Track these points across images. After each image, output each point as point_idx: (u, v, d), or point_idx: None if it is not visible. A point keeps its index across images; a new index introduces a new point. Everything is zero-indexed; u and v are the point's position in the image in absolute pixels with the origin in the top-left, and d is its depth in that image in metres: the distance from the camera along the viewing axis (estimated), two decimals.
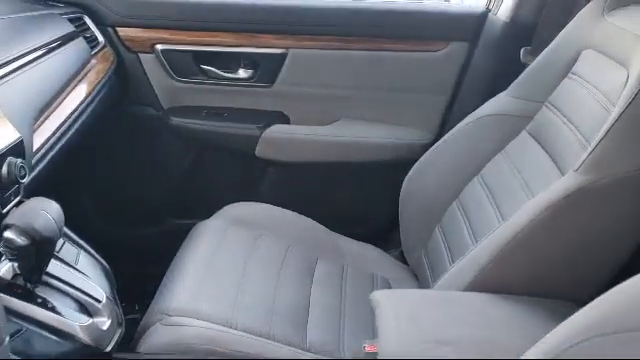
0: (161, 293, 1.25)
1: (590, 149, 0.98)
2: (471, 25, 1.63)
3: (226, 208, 1.57)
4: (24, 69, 1.14)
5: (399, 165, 1.61)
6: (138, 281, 1.44)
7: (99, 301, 0.95)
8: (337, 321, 1.28)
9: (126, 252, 1.46)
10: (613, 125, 0.97)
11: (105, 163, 1.74)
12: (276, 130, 1.75)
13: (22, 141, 0.97)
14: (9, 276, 0.87)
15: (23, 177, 0.91)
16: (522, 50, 1.52)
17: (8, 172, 0.87)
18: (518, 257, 0.99)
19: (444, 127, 1.66)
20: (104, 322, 0.93)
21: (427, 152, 1.52)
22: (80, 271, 0.98)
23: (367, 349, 0.96)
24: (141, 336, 1.14)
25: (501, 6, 1.56)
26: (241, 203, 1.61)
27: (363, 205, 1.78)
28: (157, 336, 1.12)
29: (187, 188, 1.86)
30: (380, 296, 0.95)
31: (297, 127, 1.76)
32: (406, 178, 1.54)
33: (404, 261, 1.55)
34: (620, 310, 0.54)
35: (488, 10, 1.62)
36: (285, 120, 1.77)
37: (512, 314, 0.94)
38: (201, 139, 1.79)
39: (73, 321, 0.87)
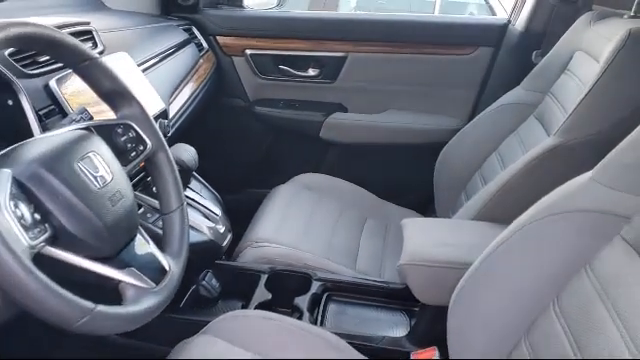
0: (250, 229, 1.63)
1: (564, 119, 1.32)
2: (495, 33, 1.95)
3: (296, 177, 1.94)
4: (161, 63, 1.56)
5: (436, 146, 1.89)
6: None
7: (217, 215, 1.35)
8: (379, 259, 1.62)
9: None
10: (582, 101, 1.30)
11: (204, 141, 2.10)
12: (336, 117, 2.11)
13: (165, 110, 1.38)
14: None
15: (168, 133, 1.29)
16: (534, 53, 1.85)
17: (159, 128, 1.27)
18: (511, 195, 1.30)
19: (473, 115, 1.95)
20: (220, 228, 1.33)
21: (457, 134, 1.84)
22: (203, 197, 1.38)
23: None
24: (236, 257, 1.54)
25: (518, 19, 1.89)
26: (308, 174, 1.97)
27: (405, 178, 2.06)
28: (248, 255, 1.51)
29: (265, 163, 2.23)
30: (407, 221, 1.31)
31: (353, 115, 2.11)
32: (440, 155, 1.87)
33: None
34: (563, 195, 0.88)
35: (509, 22, 1.95)
36: (344, 109, 2.12)
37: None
38: (278, 124, 2.16)
39: (203, 224, 1.27)
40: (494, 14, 2.37)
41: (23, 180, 0.68)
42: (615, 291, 0.79)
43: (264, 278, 1.40)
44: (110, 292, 0.74)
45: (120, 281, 0.75)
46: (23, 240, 0.62)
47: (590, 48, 1.48)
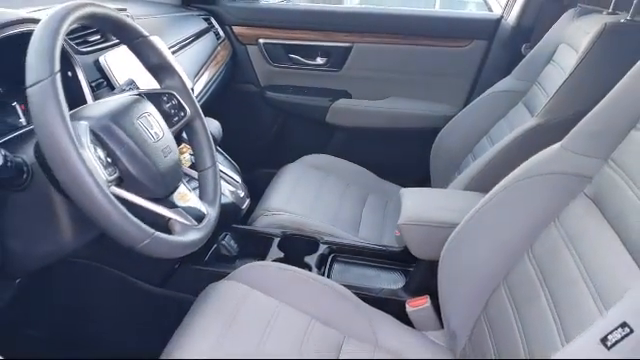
0: (262, 201, 1.79)
1: (545, 102, 1.48)
2: (489, 28, 2.11)
3: (304, 157, 2.10)
4: (185, 48, 1.72)
5: (432, 130, 2.05)
6: None
7: (237, 182, 1.51)
8: (379, 229, 1.77)
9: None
10: (561, 86, 1.46)
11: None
12: (341, 103, 2.27)
13: (192, 89, 1.54)
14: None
15: None
16: (523, 45, 2.01)
17: None
18: (496, 168, 1.44)
19: (467, 102, 2.09)
20: (240, 193, 1.49)
21: (452, 119, 2.00)
22: (225, 166, 1.54)
23: (396, 233, 1.47)
24: (251, 224, 1.69)
25: (510, 14, 2.05)
26: (315, 154, 2.13)
27: (404, 159, 2.21)
28: (261, 222, 1.66)
29: (275, 144, 2.39)
30: (405, 190, 1.47)
31: (357, 101, 2.27)
32: (436, 139, 2.03)
33: None
34: (538, 161, 1.04)
35: (501, 17, 2.11)
36: (348, 96, 2.28)
37: None
38: (287, 109, 2.32)
39: (225, 188, 1.43)
40: (491, 11, 2.53)
41: (97, 130, 0.84)
42: (577, 238, 0.95)
43: (276, 241, 1.55)
44: (161, 227, 0.90)
45: (170, 218, 0.91)
46: (102, 175, 0.79)
47: (572, 40, 1.63)
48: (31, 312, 1.42)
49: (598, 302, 0.80)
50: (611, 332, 0.63)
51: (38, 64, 0.74)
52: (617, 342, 0.62)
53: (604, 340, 0.63)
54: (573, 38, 1.63)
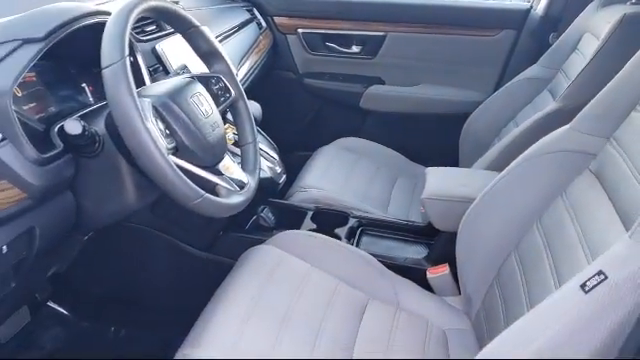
0: (298, 179, 1.92)
1: (565, 86, 1.56)
2: (518, 18, 2.18)
3: (338, 140, 2.22)
4: (231, 37, 1.86)
5: (462, 116, 2.14)
6: None
7: (275, 159, 1.65)
8: (407, 209, 1.89)
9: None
10: (580, 73, 1.54)
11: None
12: (375, 89, 2.38)
13: (236, 74, 1.67)
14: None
15: None
16: (551, 35, 2.07)
17: None
18: (517, 148, 1.51)
19: (496, 89, 2.14)
20: (277, 169, 1.63)
21: (480, 105, 2.09)
22: (263, 144, 1.69)
23: (422, 210, 1.58)
24: (287, 199, 1.83)
25: (539, 5, 2.12)
26: (347, 138, 2.25)
27: (434, 144, 2.29)
28: (296, 198, 1.80)
29: (311, 128, 2.52)
30: (430, 169, 1.58)
31: (390, 87, 2.38)
32: (465, 124, 2.13)
33: None
34: (549, 141, 1.14)
35: (531, 7, 2.18)
36: (382, 82, 2.39)
37: None
38: (323, 94, 2.45)
39: (264, 163, 1.57)
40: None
41: (158, 106, 0.98)
42: (579, 209, 1.06)
43: (310, 214, 1.69)
44: (209, 191, 1.04)
45: (217, 184, 1.05)
46: (163, 143, 0.93)
47: (595, 30, 1.71)
48: (92, 272, 1.59)
49: (591, 262, 0.90)
50: (589, 279, 0.73)
51: (112, 49, 0.89)
52: (593, 287, 0.72)
53: (583, 286, 0.74)
54: (596, 27, 1.70)
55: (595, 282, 0.73)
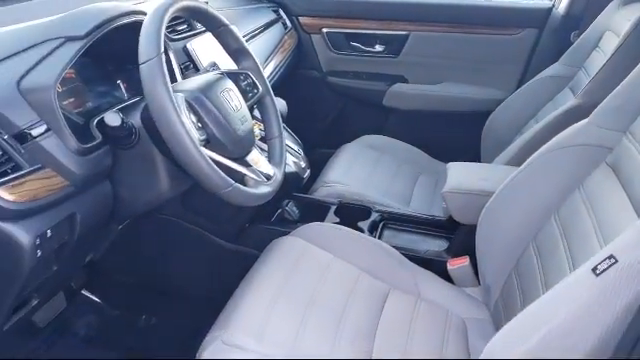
0: (322, 174, 1.96)
1: (586, 83, 1.58)
2: (540, 17, 2.19)
3: (361, 138, 2.26)
4: (258, 36, 1.92)
5: (484, 114, 2.17)
6: None
7: (299, 154, 1.70)
8: (429, 204, 1.91)
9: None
10: (600, 70, 1.56)
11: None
12: (398, 87, 2.42)
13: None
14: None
15: None
16: (572, 33, 2.09)
17: None
18: (536, 144, 1.55)
19: (518, 87, 2.17)
20: (302, 164, 1.68)
21: (502, 103, 2.12)
22: (288, 139, 1.74)
23: (443, 205, 1.62)
24: (311, 194, 1.88)
25: (560, 4, 2.14)
26: (370, 135, 2.28)
27: (456, 141, 2.28)
28: (320, 192, 1.84)
29: (334, 126, 2.56)
30: (451, 164, 1.61)
31: (413, 85, 2.41)
32: (487, 121, 2.15)
33: None
34: (567, 135, 1.17)
35: (553, 6, 2.19)
36: (404, 80, 2.42)
37: None
38: (347, 92, 2.49)
39: (288, 158, 1.61)
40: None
41: (190, 101, 1.04)
42: (595, 201, 1.08)
43: (333, 208, 1.73)
44: (238, 182, 1.09)
45: (245, 174, 1.11)
46: (196, 135, 0.98)
47: (616, 28, 1.72)
48: (125, 261, 1.65)
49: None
50: (600, 262, 0.77)
51: (148, 46, 0.94)
52: (604, 270, 0.76)
53: (594, 269, 0.77)
54: (617, 25, 1.72)
55: (606, 265, 0.76)
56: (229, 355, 1.06)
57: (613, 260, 0.76)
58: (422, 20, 2.31)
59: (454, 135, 2.34)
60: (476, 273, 1.40)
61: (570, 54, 1.95)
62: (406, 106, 2.43)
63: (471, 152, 2.23)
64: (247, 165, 1.13)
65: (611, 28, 1.77)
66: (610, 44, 1.71)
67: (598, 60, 1.75)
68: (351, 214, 1.71)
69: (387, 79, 2.43)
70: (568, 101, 1.77)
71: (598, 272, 0.76)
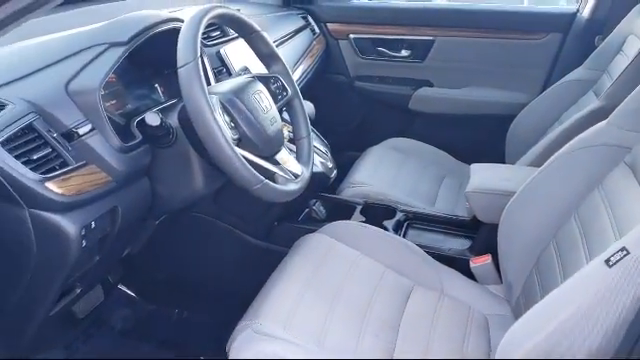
0: (349, 175, 2.01)
1: (609, 85, 1.60)
2: (565, 21, 2.21)
3: (386, 140, 2.30)
4: (287, 42, 1.98)
5: (509, 117, 2.17)
6: None
7: (326, 155, 1.75)
8: (453, 205, 1.94)
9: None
10: (622, 72, 1.58)
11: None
12: (423, 91, 2.45)
13: None
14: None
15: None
16: (596, 37, 2.10)
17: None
18: (559, 146, 1.58)
19: (542, 91, 2.16)
20: (329, 164, 1.73)
21: (526, 106, 2.14)
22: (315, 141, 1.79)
23: (467, 204, 1.64)
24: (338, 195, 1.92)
25: (585, 8, 2.15)
26: (397, 138, 2.32)
27: (481, 144, 2.30)
28: (347, 193, 1.89)
29: (361, 129, 2.60)
30: (474, 165, 1.64)
31: (438, 89, 2.44)
32: (512, 124, 2.17)
33: None
34: (587, 136, 1.20)
35: (577, 11, 2.21)
36: (430, 85, 2.45)
37: None
38: (373, 97, 2.54)
39: (316, 159, 1.67)
40: None
41: (224, 102, 1.10)
42: (614, 198, 1.11)
43: (359, 208, 1.78)
44: (268, 179, 1.15)
45: (274, 172, 1.16)
46: (229, 134, 1.04)
47: (639, 32, 1.73)
48: (160, 257, 1.72)
49: None
50: (613, 255, 0.80)
51: (186, 51, 1.01)
52: (617, 262, 0.79)
53: (607, 261, 0.80)
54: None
55: (618, 257, 0.79)
56: (258, 343, 1.11)
57: (625, 252, 0.79)
58: (447, 25, 2.35)
59: (479, 138, 2.36)
60: (498, 271, 1.43)
61: (594, 58, 1.96)
62: (431, 109, 2.46)
63: (496, 155, 2.23)
64: (276, 163, 1.19)
65: (634, 32, 1.78)
66: (633, 48, 1.73)
67: (622, 63, 1.76)
68: (376, 214, 1.75)
69: (413, 83, 2.46)
70: (591, 104, 1.79)
71: (611, 264, 0.79)
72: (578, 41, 2.18)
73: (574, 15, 2.20)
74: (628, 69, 1.57)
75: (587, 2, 2.16)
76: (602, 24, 2.10)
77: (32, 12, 0.66)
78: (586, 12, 2.15)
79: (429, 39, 2.37)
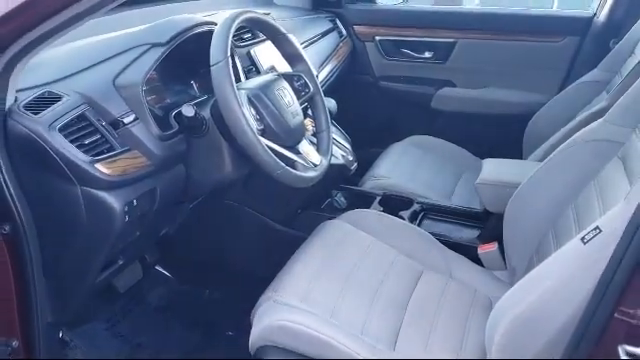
0: (371, 169, 2.11)
1: (620, 81, 1.67)
2: (582, 25, 2.27)
3: (409, 137, 2.39)
4: (315, 43, 2.10)
5: (527, 116, 2.24)
6: None
7: (347, 148, 1.86)
8: (469, 199, 2.00)
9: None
10: (630, 72, 1.64)
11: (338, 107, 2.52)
12: (445, 91, 2.54)
13: (317, 75, 1.90)
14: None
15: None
16: (612, 40, 2.16)
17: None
18: (566, 139, 1.66)
19: (559, 92, 2.23)
20: (349, 157, 1.84)
21: (543, 107, 2.21)
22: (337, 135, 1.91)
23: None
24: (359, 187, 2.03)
25: (601, 12, 2.21)
26: (419, 136, 2.40)
27: (500, 142, 2.34)
28: (367, 185, 1.99)
29: (385, 126, 2.69)
30: (486, 160, 1.74)
31: (459, 89, 2.53)
32: (529, 124, 2.24)
33: None
34: (585, 132, 1.28)
35: (594, 14, 2.27)
36: (452, 85, 2.54)
37: None
38: (398, 96, 2.63)
39: (337, 152, 1.79)
40: None
41: (251, 97, 1.22)
42: (606, 190, 1.19)
43: (378, 199, 1.88)
44: (289, 166, 1.26)
45: (295, 160, 1.28)
46: (255, 125, 1.17)
47: None
48: (193, 241, 1.86)
49: None
50: (588, 233, 0.89)
51: (218, 50, 1.14)
52: (590, 239, 0.88)
53: (582, 239, 0.90)
54: None
55: (592, 235, 0.89)
56: (279, 311, 1.23)
57: (598, 230, 0.88)
58: (469, 28, 2.43)
59: (498, 136, 2.42)
60: (504, 258, 1.52)
61: (608, 60, 2.02)
62: (453, 109, 2.55)
63: (514, 152, 2.30)
64: (297, 153, 1.31)
65: None
66: None
67: (632, 65, 1.82)
68: (394, 204, 1.85)
69: (435, 83, 2.55)
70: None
71: (585, 241, 0.89)
72: (594, 44, 2.24)
73: (591, 19, 2.26)
74: (635, 69, 1.63)
75: (604, 6, 2.21)
76: (618, 27, 2.16)
77: (94, 13, 0.80)
78: (602, 16, 2.21)
79: (451, 41, 2.45)
